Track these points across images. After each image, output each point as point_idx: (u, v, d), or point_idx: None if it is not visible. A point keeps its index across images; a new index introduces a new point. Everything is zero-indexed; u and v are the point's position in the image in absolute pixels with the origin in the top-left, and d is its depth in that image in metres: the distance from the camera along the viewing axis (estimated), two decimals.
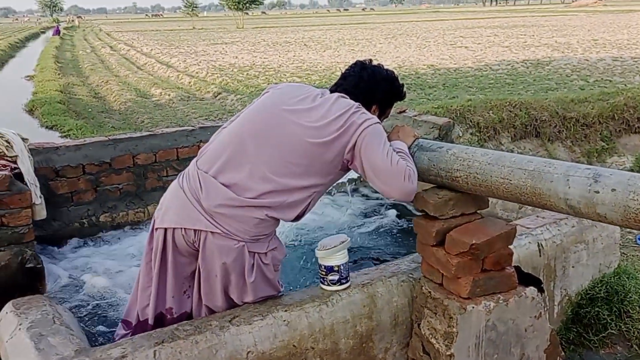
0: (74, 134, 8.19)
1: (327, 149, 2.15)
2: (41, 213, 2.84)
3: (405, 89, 2.49)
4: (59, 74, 16.46)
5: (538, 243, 2.76)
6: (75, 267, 3.13)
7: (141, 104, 12.04)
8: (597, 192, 1.77)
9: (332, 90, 2.38)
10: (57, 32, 43.15)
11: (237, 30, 42.57)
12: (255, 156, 2.13)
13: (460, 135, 3.76)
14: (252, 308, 2.21)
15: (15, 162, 2.73)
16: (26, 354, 1.99)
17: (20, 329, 2.12)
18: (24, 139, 2.83)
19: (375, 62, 2.47)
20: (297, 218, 2.23)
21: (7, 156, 2.69)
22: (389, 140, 2.36)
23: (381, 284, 2.38)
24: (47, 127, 9.11)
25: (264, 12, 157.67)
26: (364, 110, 2.24)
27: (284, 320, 2.16)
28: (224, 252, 2.10)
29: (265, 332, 2.12)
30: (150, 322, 2.23)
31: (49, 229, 3.28)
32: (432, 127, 3.76)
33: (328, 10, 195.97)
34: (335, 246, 2.28)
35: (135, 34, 40.00)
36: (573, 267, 2.92)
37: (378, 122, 2.21)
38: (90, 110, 11.27)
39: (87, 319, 2.66)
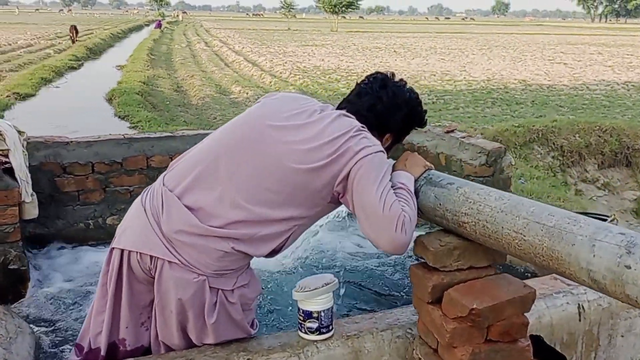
0: (142, 126, 8.23)
1: (315, 177, 1.81)
2: (31, 212, 2.67)
3: (426, 116, 2.11)
4: (148, 66, 16.90)
5: (579, 304, 2.29)
6: (68, 272, 2.94)
7: (218, 100, 12.07)
8: (629, 266, 1.34)
9: (339, 107, 2.03)
10: (159, 25, 44.79)
11: (330, 33, 42.63)
12: (228, 178, 1.82)
13: (513, 163, 3.29)
14: (210, 352, 1.90)
15: (6, 156, 2.56)
16: None
17: None
18: (20, 132, 2.67)
19: (397, 78, 2.10)
20: (271, 254, 1.90)
21: None
22: (394, 169, 1.99)
23: (370, 337, 2.01)
24: (120, 116, 9.22)
25: (362, 17, 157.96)
26: (366, 134, 1.88)
27: None
28: (181, 286, 1.81)
29: None
30: (102, 352, 1.97)
31: (52, 227, 3.12)
32: (480, 152, 3.31)
33: (426, 18, 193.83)
34: (315, 289, 1.93)
35: (232, 32, 40.92)
36: (622, 336, 2.41)
37: (380, 151, 1.85)
38: (167, 103, 11.40)
39: (55, 335, 2.43)
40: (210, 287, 1.83)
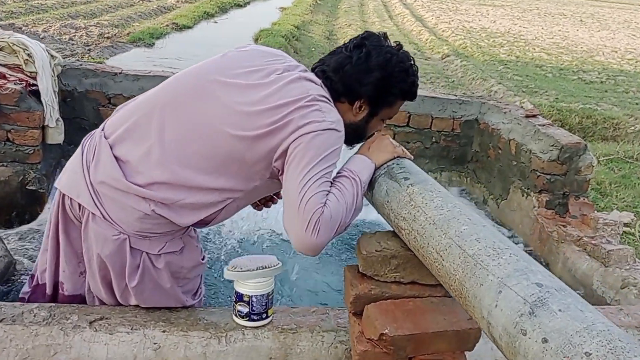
0: None
1: (250, 147, 1.58)
2: (55, 137, 2.70)
3: (414, 87, 1.75)
4: (309, 11, 16.95)
5: None
6: None
7: None
8: (524, 332, 0.98)
9: (312, 69, 1.76)
10: None
11: None
12: (158, 132, 1.64)
13: (594, 164, 2.73)
14: (130, 314, 1.79)
15: (34, 79, 2.60)
16: None
17: None
18: (52, 56, 2.68)
19: (393, 42, 1.76)
20: (199, 225, 1.71)
21: (25, 70, 2.57)
22: (358, 151, 1.69)
23: (308, 336, 1.77)
24: None
25: None
26: (322, 105, 1.60)
27: (155, 343, 1.71)
28: (100, 242, 1.69)
29: (124, 350, 1.70)
30: (48, 291, 1.93)
31: None
32: (552, 146, 2.78)
33: None
34: (247, 270, 1.72)
35: None
36: None
37: (330, 129, 1.56)
38: (312, 49, 11.35)
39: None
40: (131, 247, 1.69)
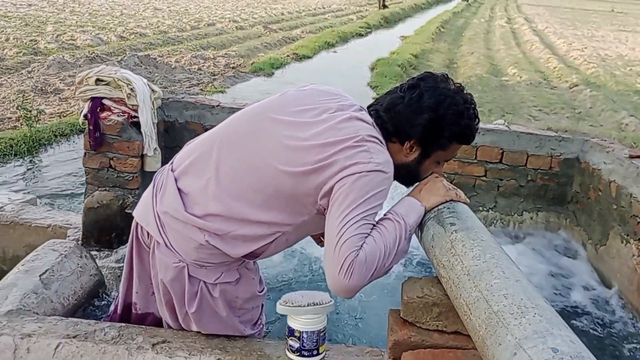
0: None
1: (297, 182, 1.62)
2: (153, 165, 2.90)
3: (475, 130, 1.70)
4: (431, 39, 16.85)
5: None
6: None
7: (484, 81, 11.52)
8: None
9: (367, 108, 1.77)
10: None
11: None
12: (215, 167, 1.73)
13: None
14: (189, 339, 1.88)
15: (136, 111, 2.81)
16: None
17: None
18: (152, 90, 2.89)
19: (454, 83, 1.73)
20: (250, 257, 1.76)
21: (127, 103, 2.79)
22: (410, 194, 1.67)
23: None
24: (371, 86, 9.43)
25: None
26: (371, 146, 1.60)
27: None
28: (163, 268, 1.80)
29: None
30: (119, 311, 2.08)
31: None
32: None
33: None
34: (297, 306, 1.74)
35: (545, 10, 38.36)
36: None
37: (377, 171, 1.56)
38: None
39: None
40: (190, 275, 1.78)
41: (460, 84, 1.74)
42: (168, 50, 11.58)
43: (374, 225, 1.55)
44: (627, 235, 2.73)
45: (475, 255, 1.31)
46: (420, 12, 30.02)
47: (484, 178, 3.38)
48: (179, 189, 1.77)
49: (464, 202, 1.67)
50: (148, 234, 1.85)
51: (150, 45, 12.19)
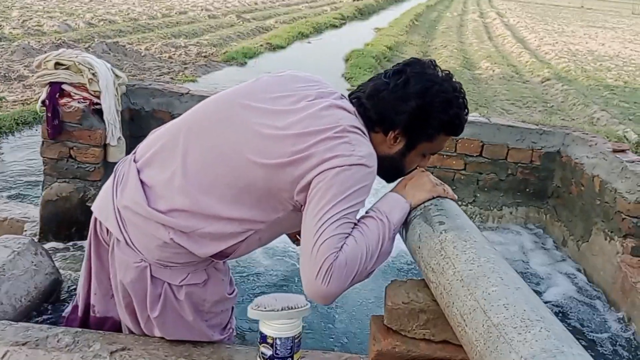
0: None
1: (271, 176, 1.48)
2: (117, 155, 2.72)
3: (464, 120, 1.57)
4: (405, 32, 16.77)
5: None
6: None
7: (458, 75, 11.27)
8: None
9: (349, 95, 1.63)
10: None
11: (630, 16, 37.65)
12: (183, 157, 1.57)
13: None
14: (151, 346, 1.73)
15: (98, 97, 2.63)
16: None
17: None
18: (117, 76, 2.71)
19: (441, 70, 1.59)
20: (219, 257, 1.61)
21: (89, 89, 2.61)
22: (394, 190, 1.54)
23: None
24: (345, 77, 9.31)
25: None
26: (353, 138, 1.46)
27: None
28: (122, 268, 1.65)
29: None
30: (80, 313, 1.91)
31: None
32: None
33: None
34: (270, 310, 1.60)
35: (516, 4, 38.64)
36: None
37: (357, 164, 1.42)
38: None
39: None
40: (152, 276, 1.62)
41: (449, 71, 1.62)
42: (138, 38, 11.28)
43: (355, 225, 1.42)
44: (611, 232, 2.65)
45: (469, 258, 1.19)
46: (394, 4, 29.91)
47: (463, 172, 3.28)
48: (141, 181, 1.61)
49: (451, 199, 1.54)
50: (107, 230, 1.69)
51: (120, 32, 11.86)
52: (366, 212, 1.48)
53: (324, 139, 1.44)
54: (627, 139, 6.94)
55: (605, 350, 2.40)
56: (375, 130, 1.55)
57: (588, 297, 2.73)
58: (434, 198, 1.51)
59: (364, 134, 1.52)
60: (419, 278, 1.45)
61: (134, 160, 1.67)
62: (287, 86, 1.61)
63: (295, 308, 1.61)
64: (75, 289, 2.32)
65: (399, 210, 1.48)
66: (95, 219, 1.74)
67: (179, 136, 1.61)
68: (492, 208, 3.35)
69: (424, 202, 1.50)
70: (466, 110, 1.60)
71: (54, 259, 2.41)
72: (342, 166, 1.40)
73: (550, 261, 3.09)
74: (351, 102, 1.58)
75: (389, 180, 1.67)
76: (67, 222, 2.74)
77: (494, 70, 12.31)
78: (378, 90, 1.56)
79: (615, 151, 2.76)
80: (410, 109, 1.51)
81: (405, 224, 1.49)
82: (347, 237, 1.37)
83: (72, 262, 2.62)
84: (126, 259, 1.62)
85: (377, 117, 1.55)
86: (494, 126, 3.16)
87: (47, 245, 2.58)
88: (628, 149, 2.78)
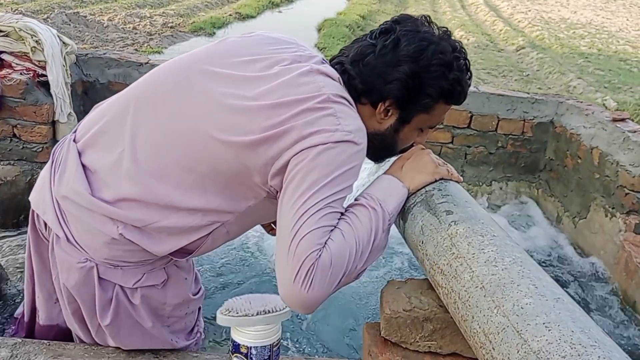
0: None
1: (240, 156, 1.21)
2: (67, 133, 2.42)
3: (467, 86, 1.32)
4: (377, 0, 16.50)
5: None
6: None
7: None
8: None
9: (330, 60, 1.37)
10: None
11: None
12: (131, 136, 1.29)
13: None
14: (105, 358, 1.47)
15: (44, 68, 2.33)
16: None
17: None
18: (64, 43, 2.40)
19: (438, 27, 1.34)
20: (179, 255, 1.35)
21: (32, 59, 2.30)
22: (389, 171, 1.29)
23: None
24: (318, 47, 9.00)
25: None
26: (339, 109, 1.21)
27: None
28: (65, 269, 1.37)
29: None
30: (26, 318, 1.64)
31: None
32: None
33: None
34: (244, 315, 1.35)
35: None
36: None
37: (344, 140, 1.17)
38: None
39: None
40: (100, 277, 1.35)
41: (446, 27, 1.36)
42: (100, 8, 10.78)
43: (342, 215, 1.17)
44: (613, 208, 2.45)
45: (490, 258, 0.95)
46: None
47: (450, 145, 3.05)
48: (83, 166, 1.33)
49: (456, 181, 1.30)
50: (46, 224, 1.41)
51: (81, 2, 11.35)
52: (355, 199, 1.23)
53: (303, 110, 1.18)
54: (606, 107, 6.83)
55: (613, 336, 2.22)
56: (362, 102, 1.29)
57: (586, 279, 2.55)
58: (436, 181, 1.26)
59: (352, 105, 1.26)
60: (421, 277, 1.22)
61: (74, 140, 1.39)
62: (258, 49, 1.34)
63: (272, 312, 1.37)
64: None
65: (396, 196, 1.23)
66: (33, 211, 1.47)
67: (127, 110, 1.33)
68: (480, 184, 3.14)
69: (424, 186, 1.25)
70: (469, 73, 1.35)
71: (0, 251, 2.15)
72: (326, 144, 1.14)
73: (544, 239, 2.90)
74: (334, 68, 1.32)
75: (377, 160, 1.42)
76: (13, 210, 2.44)
77: (468, 39, 12.10)
78: (363, 54, 1.29)
79: (615, 120, 2.55)
80: (402, 75, 1.25)
81: (403, 214, 1.25)
82: (332, 230, 1.12)
83: (22, 253, 2.35)
84: (68, 258, 1.35)
85: (363, 87, 1.28)
86: (482, 95, 2.93)
87: None
88: (628, 118, 2.57)
